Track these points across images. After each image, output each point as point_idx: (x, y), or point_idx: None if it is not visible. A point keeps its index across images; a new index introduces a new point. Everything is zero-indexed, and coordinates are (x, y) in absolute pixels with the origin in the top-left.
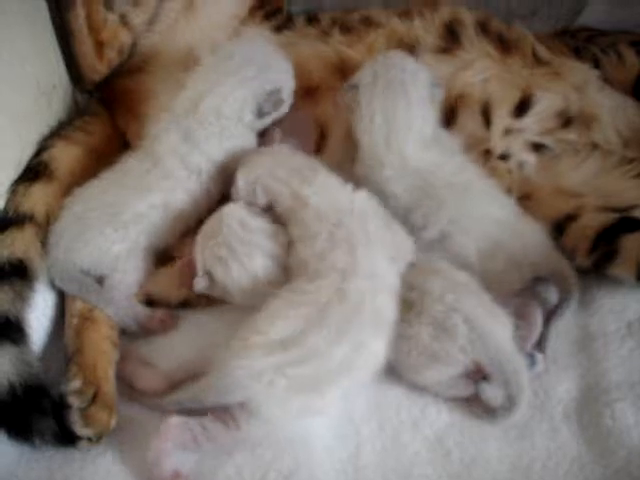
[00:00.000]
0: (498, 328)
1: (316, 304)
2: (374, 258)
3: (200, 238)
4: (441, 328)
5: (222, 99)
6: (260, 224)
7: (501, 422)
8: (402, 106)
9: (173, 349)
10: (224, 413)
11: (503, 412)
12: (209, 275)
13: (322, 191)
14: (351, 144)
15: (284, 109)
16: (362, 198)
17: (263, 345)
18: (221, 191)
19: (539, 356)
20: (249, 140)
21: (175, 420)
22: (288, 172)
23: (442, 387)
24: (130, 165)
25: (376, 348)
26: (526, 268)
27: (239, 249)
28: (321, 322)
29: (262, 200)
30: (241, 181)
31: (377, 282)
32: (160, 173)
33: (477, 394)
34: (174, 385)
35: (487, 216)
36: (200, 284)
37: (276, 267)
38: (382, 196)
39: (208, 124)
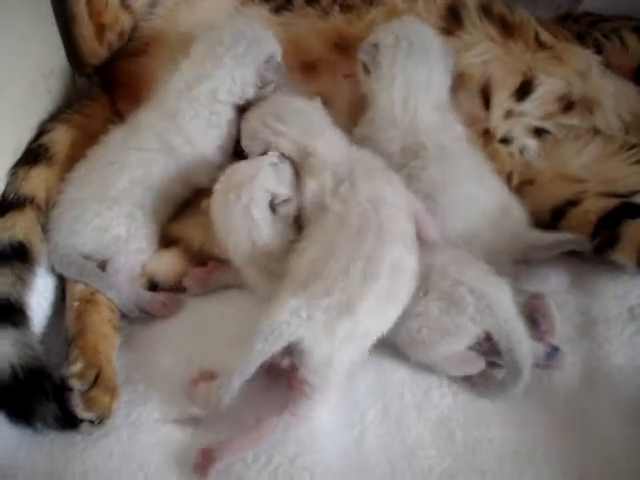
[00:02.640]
0: (502, 295)
1: (321, 238)
2: (374, 185)
3: (225, 174)
4: (450, 301)
5: (220, 82)
6: (262, 220)
7: (507, 393)
8: (424, 70)
9: (175, 333)
10: (285, 379)
11: (508, 382)
12: None
13: (326, 144)
14: (351, 117)
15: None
16: (364, 153)
17: (290, 289)
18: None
19: (563, 352)
20: (233, 130)
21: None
22: (292, 124)
23: (451, 363)
24: (111, 137)
25: (395, 256)
26: (508, 254)
27: (229, 220)
28: (331, 251)
29: (259, 149)
30: (243, 130)
31: (378, 201)
32: (135, 144)
33: (481, 372)
34: None
35: (470, 196)
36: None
37: (252, 250)
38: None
39: (198, 105)
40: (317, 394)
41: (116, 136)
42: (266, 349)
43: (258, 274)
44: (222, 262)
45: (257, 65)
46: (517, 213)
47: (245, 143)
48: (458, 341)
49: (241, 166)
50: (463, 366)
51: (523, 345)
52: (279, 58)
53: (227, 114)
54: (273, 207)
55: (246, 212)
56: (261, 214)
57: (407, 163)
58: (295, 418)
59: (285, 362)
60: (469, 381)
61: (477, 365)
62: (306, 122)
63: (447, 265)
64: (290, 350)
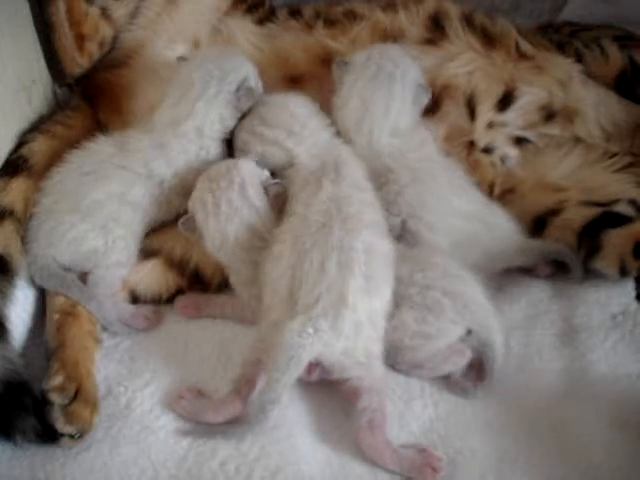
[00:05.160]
0: (474, 291)
1: (290, 241)
2: (341, 186)
3: (204, 175)
4: (425, 309)
5: (202, 122)
6: (257, 200)
7: (485, 385)
8: (382, 96)
9: (157, 346)
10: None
11: (487, 373)
12: (193, 219)
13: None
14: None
15: (259, 91)
16: (345, 149)
17: (280, 308)
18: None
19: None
20: (219, 155)
21: None
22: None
23: (439, 359)
24: (96, 147)
25: (365, 240)
26: (498, 260)
27: (223, 208)
28: (302, 254)
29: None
30: (235, 142)
31: (342, 200)
32: (119, 162)
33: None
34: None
35: (453, 208)
36: (184, 224)
37: (251, 237)
38: None
39: (187, 141)
40: (368, 386)
41: (101, 147)
42: (291, 376)
43: (246, 269)
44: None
45: (230, 99)
46: (502, 220)
47: (238, 155)
48: (442, 341)
49: (216, 164)
50: (452, 358)
51: (499, 335)
52: (251, 81)
53: (216, 148)
54: (265, 188)
55: (242, 192)
56: (256, 192)
57: (381, 188)
58: (370, 430)
59: (314, 376)
60: (449, 382)
61: (465, 355)
62: (292, 125)
63: (412, 272)
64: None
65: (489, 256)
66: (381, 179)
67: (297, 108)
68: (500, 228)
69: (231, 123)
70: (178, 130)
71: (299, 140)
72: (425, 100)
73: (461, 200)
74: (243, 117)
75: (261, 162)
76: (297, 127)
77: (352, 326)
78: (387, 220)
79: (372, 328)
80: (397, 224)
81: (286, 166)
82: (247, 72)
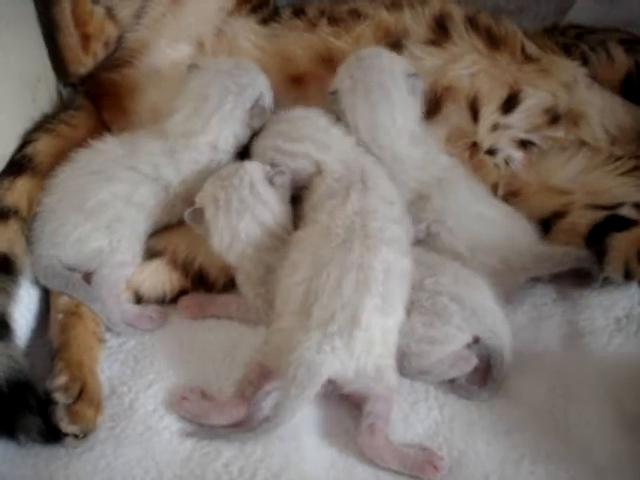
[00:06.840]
0: (483, 297)
1: (308, 252)
2: (368, 198)
3: (214, 176)
4: (433, 314)
5: (215, 137)
6: (268, 195)
7: (492, 388)
8: (384, 109)
9: (161, 346)
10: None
11: (495, 377)
12: (201, 211)
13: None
14: None
15: (271, 109)
16: (370, 159)
17: (293, 324)
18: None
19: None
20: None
21: None
22: (303, 143)
23: (445, 365)
24: (104, 146)
25: (385, 260)
26: (517, 267)
27: (234, 204)
28: (320, 266)
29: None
30: (254, 155)
31: (367, 215)
32: (128, 163)
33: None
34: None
35: (476, 214)
36: (190, 214)
37: (262, 236)
38: None
39: (198, 153)
40: (375, 394)
41: (109, 147)
42: (311, 392)
43: (256, 270)
44: (219, 295)
45: (244, 117)
46: (523, 228)
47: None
48: (448, 348)
49: (225, 167)
50: (458, 364)
51: (508, 342)
52: (265, 99)
53: (227, 160)
54: (270, 180)
55: (253, 190)
56: (265, 188)
57: (412, 202)
58: (370, 433)
59: (325, 390)
60: (454, 385)
61: (471, 361)
62: (318, 135)
63: (423, 277)
64: None
65: (508, 262)
66: (413, 196)
67: (319, 118)
68: (520, 235)
69: (244, 139)
70: (190, 142)
71: (327, 149)
72: (420, 86)
73: (481, 206)
74: (255, 134)
75: (294, 177)
76: (324, 137)
77: (364, 346)
78: (414, 226)
79: (384, 346)
80: (423, 229)
81: (314, 175)
82: (262, 88)
